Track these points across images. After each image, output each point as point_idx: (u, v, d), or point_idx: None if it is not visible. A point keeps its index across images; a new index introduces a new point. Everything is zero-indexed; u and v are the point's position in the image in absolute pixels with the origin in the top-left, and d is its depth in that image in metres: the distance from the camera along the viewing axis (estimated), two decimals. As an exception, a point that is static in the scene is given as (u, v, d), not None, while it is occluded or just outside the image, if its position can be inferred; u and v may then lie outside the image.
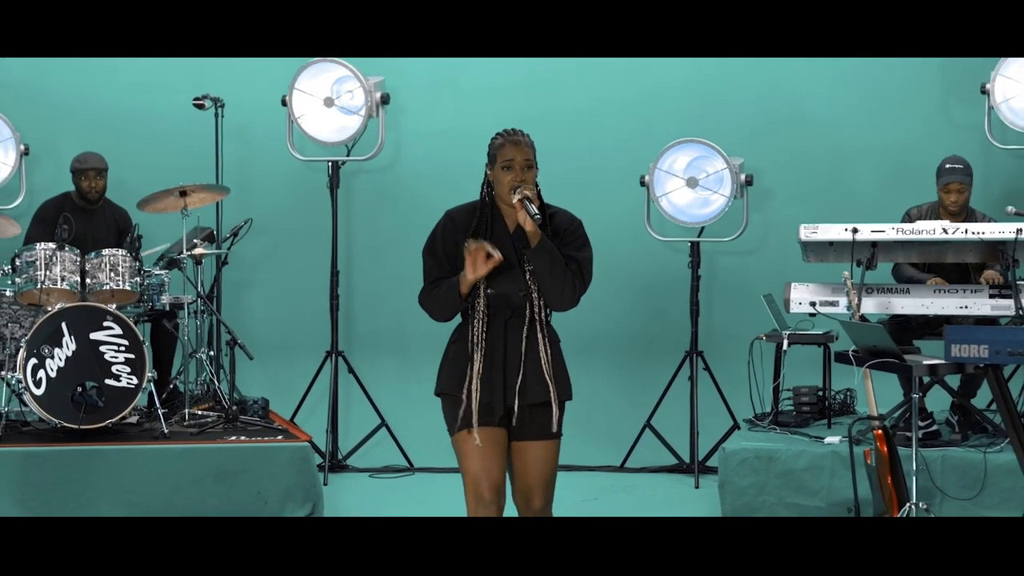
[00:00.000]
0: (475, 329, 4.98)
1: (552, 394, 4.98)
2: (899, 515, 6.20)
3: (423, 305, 5.14)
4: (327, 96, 8.74)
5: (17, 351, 7.32)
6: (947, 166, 7.68)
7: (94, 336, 7.34)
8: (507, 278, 4.98)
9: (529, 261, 4.97)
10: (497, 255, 4.88)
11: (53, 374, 7.27)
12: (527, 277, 4.99)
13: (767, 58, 9.45)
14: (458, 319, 5.11)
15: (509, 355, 4.98)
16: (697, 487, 8.38)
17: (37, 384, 7.24)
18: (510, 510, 5.15)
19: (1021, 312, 6.62)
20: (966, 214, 7.72)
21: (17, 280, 7.58)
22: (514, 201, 4.95)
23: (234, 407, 7.98)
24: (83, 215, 8.19)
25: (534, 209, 4.90)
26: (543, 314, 5.02)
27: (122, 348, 7.36)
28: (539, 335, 5.00)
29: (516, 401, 4.96)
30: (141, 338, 7.46)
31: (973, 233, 7.27)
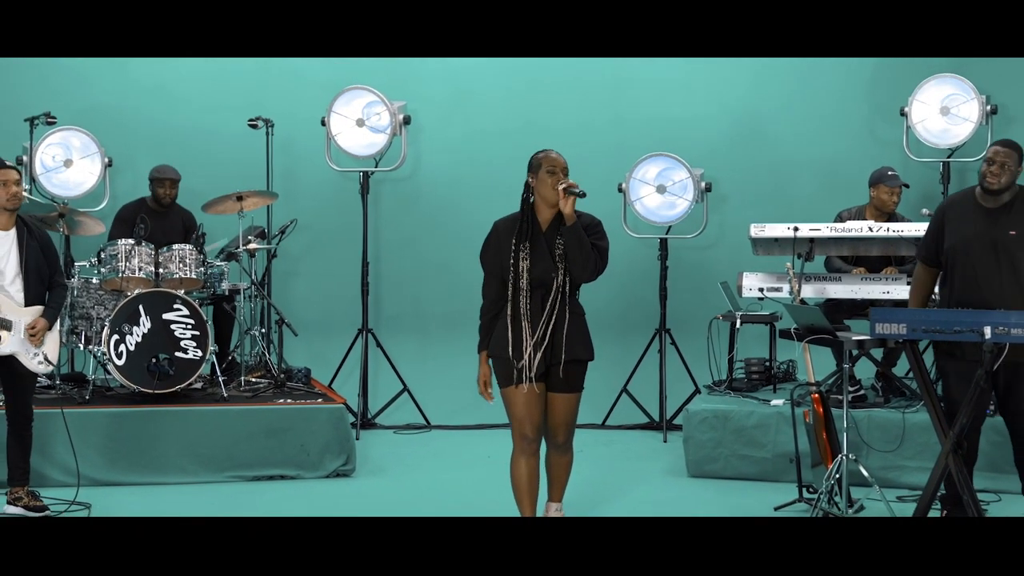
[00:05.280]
0: (523, 307, 5.29)
1: (565, 354, 5.29)
2: (832, 465, 6.18)
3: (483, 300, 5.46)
4: (359, 118, 8.72)
5: (102, 329, 7.30)
6: (890, 173, 7.65)
7: (166, 316, 7.33)
8: (541, 265, 5.28)
9: (562, 238, 5.26)
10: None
11: (132, 348, 7.26)
12: (556, 261, 5.26)
13: (726, 85, 9.46)
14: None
15: (544, 323, 5.29)
16: (665, 441, 8.37)
17: (119, 356, 7.23)
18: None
19: (933, 296, 6.59)
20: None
21: (102, 270, 7.57)
22: (560, 189, 5.23)
23: (282, 375, 7.98)
24: (156, 216, 8.17)
25: (579, 189, 5.23)
26: (567, 290, 5.31)
27: (189, 326, 7.35)
28: (565, 308, 5.30)
29: (548, 359, 5.30)
30: (205, 318, 7.44)
31: (895, 231, 7.29)
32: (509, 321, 5.32)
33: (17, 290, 6.09)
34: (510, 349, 5.30)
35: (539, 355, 5.28)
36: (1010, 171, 5.56)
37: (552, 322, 5.28)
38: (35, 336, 6.09)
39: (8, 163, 6.23)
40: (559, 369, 5.32)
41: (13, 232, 6.09)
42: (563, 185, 5.24)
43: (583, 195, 5.25)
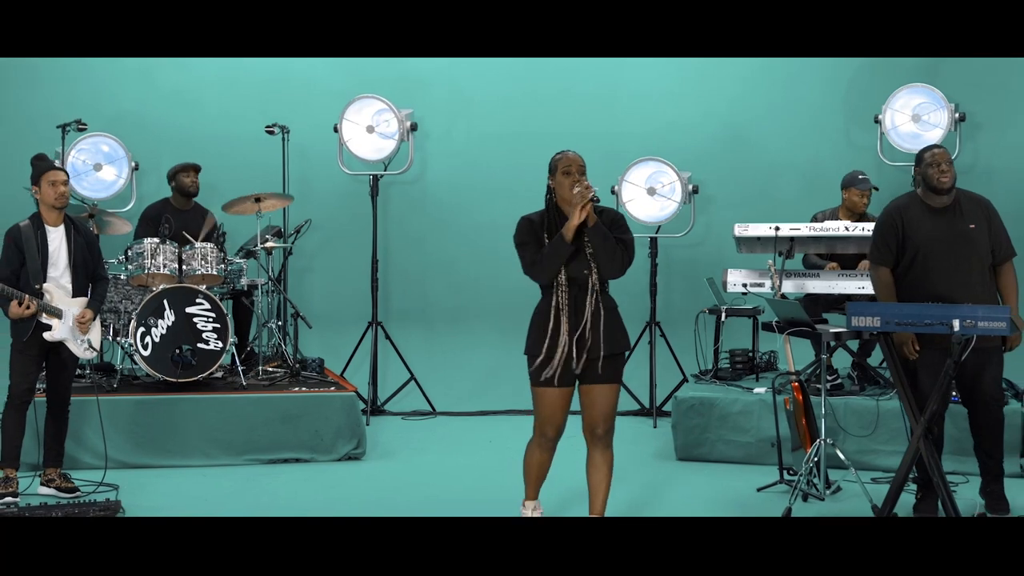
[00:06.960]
0: (559, 301, 5.03)
1: (604, 348, 5.06)
2: (811, 449, 6.19)
3: (532, 272, 5.10)
4: (369, 124, 8.71)
5: (129, 322, 7.31)
6: (861, 177, 7.65)
7: (188, 310, 7.33)
8: (575, 262, 5.07)
9: (588, 240, 5.02)
10: (589, 192, 4.96)
11: (157, 339, 7.26)
12: (588, 259, 5.05)
13: (712, 94, 9.46)
14: (539, 294, 5.15)
15: (583, 323, 5.04)
16: (655, 427, 8.37)
17: (144, 347, 7.23)
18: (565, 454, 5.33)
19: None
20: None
21: (129, 267, 7.57)
22: (575, 194, 4.99)
23: (297, 365, 7.97)
24: (179, 215, 8.17)
25: (592, 193, 4.96)
26: (600, 287, 5.09)
27: (210, 319, 7.35)
28: (599, 303, 5.07)
29: (587, 355, 5.05)
30: (225, 312, 7.44)
31: (869, 231, 7.27)
32: (547, 317, 5.07)
33: (67, 281, 6.18)
34: (544, 348, 5.07)
35: (584, 355, 5.06)
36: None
37: (590, 321, 5.06)
38: (84, 324, 6.17)
39: (57, 164, 6.28)
40: (598, 364, 5.10)
41: (62, 228, 6.20)
42: (577, 190, 4.99)
43: (597, 200, 5.02)
